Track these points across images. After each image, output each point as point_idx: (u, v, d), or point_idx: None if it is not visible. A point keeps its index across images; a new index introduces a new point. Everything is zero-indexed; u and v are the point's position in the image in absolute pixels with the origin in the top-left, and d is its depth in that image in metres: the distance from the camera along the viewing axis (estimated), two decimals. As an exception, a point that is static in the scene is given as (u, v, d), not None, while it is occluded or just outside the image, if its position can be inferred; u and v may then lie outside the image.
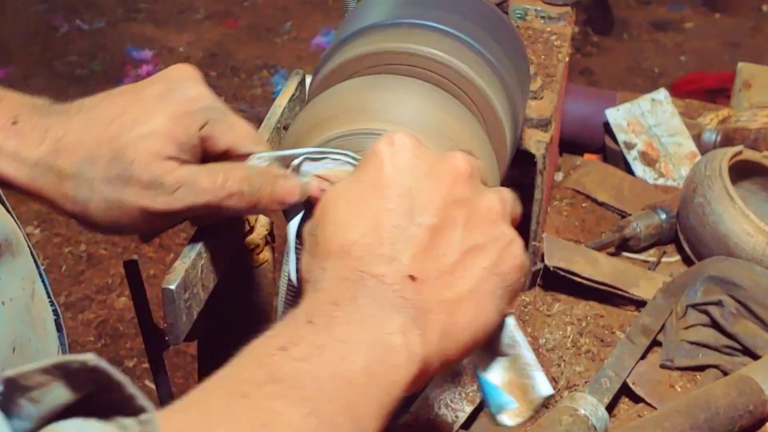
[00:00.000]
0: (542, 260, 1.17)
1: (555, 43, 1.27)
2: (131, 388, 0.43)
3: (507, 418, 0.70)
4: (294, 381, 0.54)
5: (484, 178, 0.69)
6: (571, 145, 1.50)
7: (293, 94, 0.99)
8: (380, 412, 0.57)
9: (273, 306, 1.06)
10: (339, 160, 0.77)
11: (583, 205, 1.37)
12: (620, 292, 1.17)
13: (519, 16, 1.30)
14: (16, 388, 0.41)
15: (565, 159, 1.50)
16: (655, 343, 1.12)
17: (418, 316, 0.61)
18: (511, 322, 0.70)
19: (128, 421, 0.43)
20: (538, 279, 1.19)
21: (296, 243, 0.78)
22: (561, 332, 1.13)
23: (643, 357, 1.09)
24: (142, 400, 0.43)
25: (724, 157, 1.23)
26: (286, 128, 0.95)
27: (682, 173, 1.42)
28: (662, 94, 1.49)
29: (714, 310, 1.11)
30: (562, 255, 1.18)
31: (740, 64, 1.65)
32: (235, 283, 0.96)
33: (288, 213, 0.79)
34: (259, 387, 0.53)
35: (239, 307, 0.99)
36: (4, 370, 0.40)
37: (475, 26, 0.92)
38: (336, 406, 0.54)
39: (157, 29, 4.00)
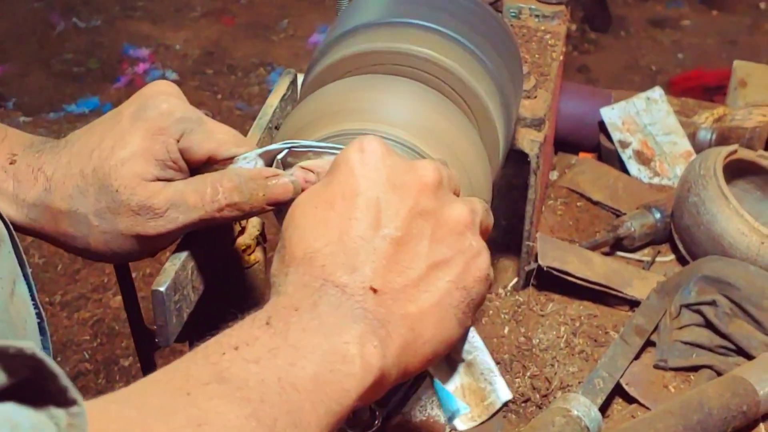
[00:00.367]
0: (536, 260, 1.16)
1: (549, 41, 1.26)
2: (65, 380, 0.43)
3: (459, 423, 0.71)
4: (240, 382, 0.54)
5: (455, 187, 0.69)
6: (566, 143, 1.50)
7: (285, 94, 0.99)
8: (327, 419, 0.56)
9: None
10: (322, 152, 0.77)
11: (578, 204, 1.37)
12: (614, 292, 1.17)
13: (513, 14, 1.30)
14: None
15: (560, 158, 1.49)
16: (649, 344, 1.11)
17: (378, 328, 0.60)
18: (471, 329, 0.70)
19: (59, 412, 0.43)
20: (532, 279, 1.18)
21: None
22: (554, 332, 1.13)
23: (636, 357, 1.09)
24: (74, 393, 0.43)
25: (719, 156, 1.22)
26: (277, 128, 0.94)
27: (677, 172, 1.41)
28: (657, 92, 1.49)
29: (708, 310, 1.10)
30: (555, 255, 1.17)
31: (736, 63, 1.64)
32: (226, 284, 0.95)
33: (279, 214, 0.79)
34: (203, 385, 0.53)
35: (231, 308, 0.98)
36: None
37: (466, 25, 0.91)
38: (279, 411, 0.54)
39: (154, 27, 3.99)
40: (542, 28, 1.28)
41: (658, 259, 1.28)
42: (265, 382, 0.54)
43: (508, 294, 1.18)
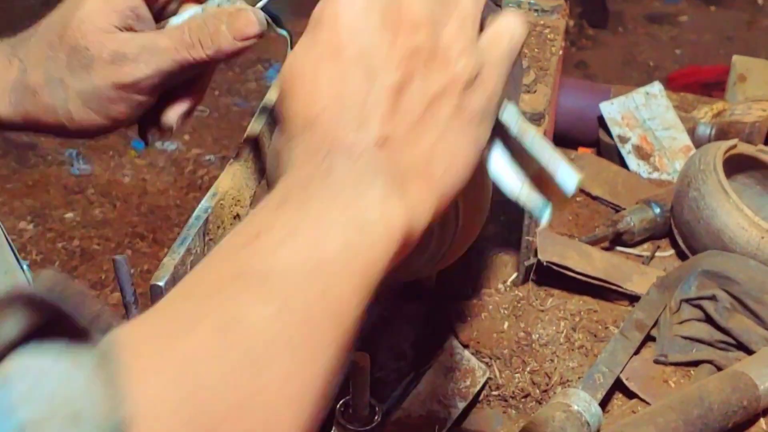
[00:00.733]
0: (535, 255, 1.16)
1: (548, 36, 1.26)
2: (90, 309, 0.41)
3: (545, 219, 0.65)
4: (265, 273, 0.52)
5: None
6: (565, 139, 1.50)
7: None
8: (360, 297, 0.54)
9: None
10: None
11: (577, 199, 1.37)
12: (614, 287, 1.17)
13: (512, 8, 1.29)
14: None
15: (559, 153, 1.49)
16: (649, 338, 1.11)
17: (393, 182, 0.58)
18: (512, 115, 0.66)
19: (86, 351, 0.41)
20: (532, 274, 1.18)
21: None
22: (554, 327, 1.13)
23: (636, 352, 1.09)
24: (103, 322, 0.42)
25: (719, 150, 1.22)
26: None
27: (676, 167, 1.41)
28: (656, 87, 1.49)
29: (708, 305, 1.10)
30: (555, 250, 1.17)
31: (735, 57, 1.64)
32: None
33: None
34: (227, 284, 0.51)
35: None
36: None
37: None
38: (311, 295, 0.52)
39: (150, 23, 3.99)
40: (541, 22, 1.28)
41: (657, 254, 1.28)
42: (292, 267, 0.52)
43: (508, 289, 1.18)
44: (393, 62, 0.60)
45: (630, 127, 1.45)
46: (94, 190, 3.04)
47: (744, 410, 0.98)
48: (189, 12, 0.80)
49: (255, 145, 0.93)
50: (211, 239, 0.86)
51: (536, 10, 1.29)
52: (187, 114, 0.84)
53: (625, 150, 1.44)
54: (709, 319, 1.10)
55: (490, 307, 1.15)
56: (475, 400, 1.08)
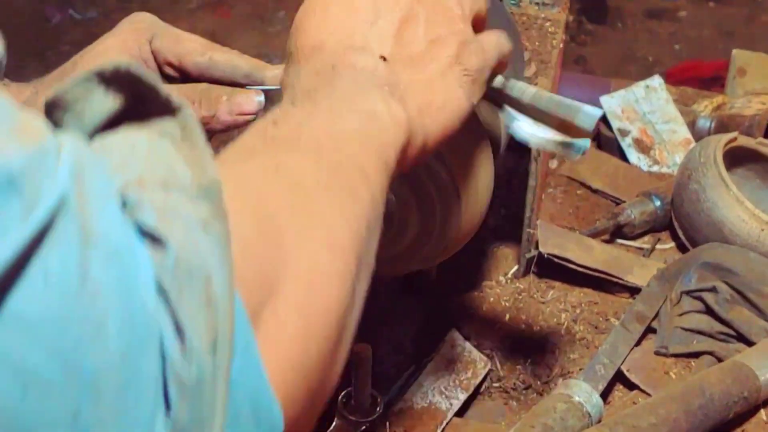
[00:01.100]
0: (536, 247, 1.16)
1: (549, 29, 1.26)
2: (164, 90, 0.43)
3: (576, 155, 0.72)
4: (293, 140, 0.55)
5: None
6: (565, 132, 1.50)
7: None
8: (379, 172, 0.58)
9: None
10: None
11: (578, 192, 1.37)
12: (615, 279, 1.17)
13: (513, 2, 1.29)
14: (58, 107, 0.42)
15: (559, 146, 1.49)
16: (650, 330, 1.11)
17: (394, 92, 0.64)
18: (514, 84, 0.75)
19: (169, 124, 0.43)
20: (533, 266, 1.18)
21: None
22: (555, 319, 1.13)
23: (637, 344, 1.09)
24: (177, 99, 0.43)
25: (719, 143, 1.22)
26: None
27: (676, 160, 1.41)
28: (656, 81, 1.49)
29: (708, 297, 1.11)
30: (556, 242, 1.17)
31: (735, 51, 1.64)
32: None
33: None
34: (261, 147, 0.54)
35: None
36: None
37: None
38: (339, 156, 0.55)
39: (150, 19, 3.98)
40: (542, 15, 1.28)
41: (658, 246, 1.29)
42: (317, 137, 0.55)
43: (509, 281, 1.18)
44: (399, 1, 0.67)
45: (630, 121, 1.45)
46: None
47: (745, 401, 0.99)
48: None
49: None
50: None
51: (537, 4, 1.29)
52: None
53: (626, 143, 1.45)
54: (709, 311, 1.11)
55: (491, 299, 1.16)
56: (476, 392, 1.08)
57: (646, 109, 1.46)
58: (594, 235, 1.26)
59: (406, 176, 0.77)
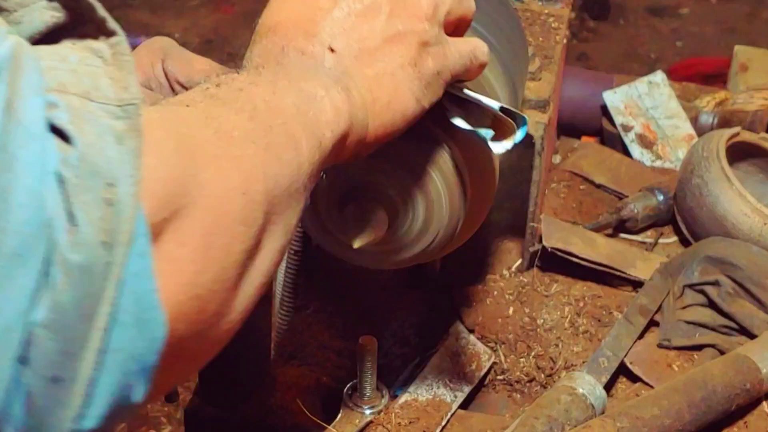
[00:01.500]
0: (540, 241, 1.17)
1: (552, 25, 1.27)
2: (101, 12, 0.46)
3: (493, 145, 0.76)
4: (231, 100, 0.57)
5: None
6: (568, 128, 1.51)
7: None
8: (312, 147, 0.59)
9: (272, 289, 1.06)
10: None
11: (581, 187, 1.37)
12: (618, 273, 1.18)
13: (516, -2, 1.30)
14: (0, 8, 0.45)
15: (562, 142, 1.50)
16: (653, 323, 1.12)
17: (338, 81, 0.64)
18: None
19: (100, 45, 0.46)
20: (536, 260, 1.19)
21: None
22: (559, 313, 1.14)
23: (640, 337, 1.10)
24: (113, 24, 0.46)
25: (722, 138, 1.23)
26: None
27: (679, 155, 1.42)
28: (659, 76, 1.50)
29: (711, 290, 1.11)
30: (560, 236, 1.18)
31: (737, 47, 1.65)
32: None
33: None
34: (200, 99, 0.56)
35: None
36: None
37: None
38: (272, 120, 0.57)
39: (152, 16, 3.98)
40: (546, 11, 1.29)
41: (661, 240, 1.29)
42: (253, 102, 0.57)
43: (513, 275, 1.19)
44: None
45: (633, 116, 1.46)
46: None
47: (747, 393, 0.99)
48: None
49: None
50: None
51: (541, 0, 1.30)
52: None
53: (629, 138, 1.45)
54: (711, 304, 1.11)
55: (495, 292, 1.16)
56: (480, 384, 1.09)
57: (649, 105, 1.46)
58: (597, 229, 1.26)
59: (410, 169, 0.78)
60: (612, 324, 1.11)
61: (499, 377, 1.10)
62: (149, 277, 0.44)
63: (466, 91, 0.76)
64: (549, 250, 1.16)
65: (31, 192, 0.40)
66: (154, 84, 0.84)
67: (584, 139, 1.52)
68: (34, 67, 0.42)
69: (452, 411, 1.02)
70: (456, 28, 0.74)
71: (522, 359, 1.10)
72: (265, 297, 1.01)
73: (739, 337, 1.10)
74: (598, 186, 1.38)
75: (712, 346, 1.09)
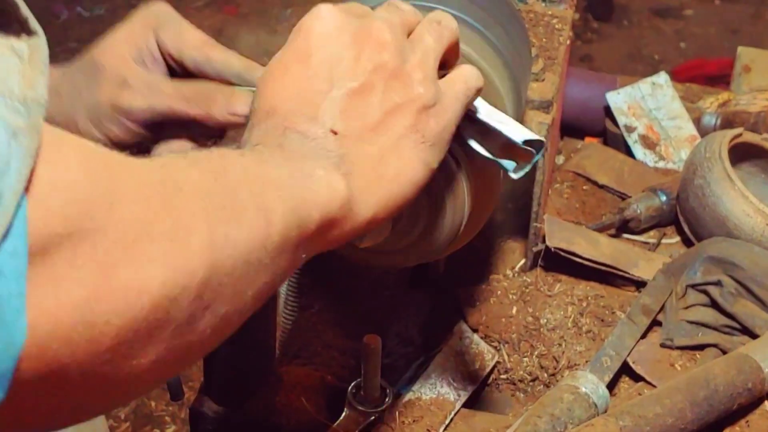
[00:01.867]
0: (543, 241, 1.18)
1: (556, 26, 1.27)
2: (25, 11, 0.46)
3: (513, 174, 0.76)
4: (204, 161, 0.56)
5: (411, 27, 0.71)
6: (571, 128, 1.51)
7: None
8: (293, 221, 0.58)
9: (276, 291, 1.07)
10: None
11: (584, 187, 1.38)
12: (621, 273, 1.18)
13: (520, -1, 1.31)
14: None
15: (566, 142, 1.50)
16: (656, 323, 1.13)
17: (339, 166, 0.64)
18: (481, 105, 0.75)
19: (19, 43, 0.45)
20: (540, 260, 1.20)
21: None
22: (562, 312, 1.15)
23: (643, 336, 1.11)
24: (34, 24, 0.46)
25: (724, 139, 1.23)
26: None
27: (682, 156, 1.42)
28: (662, 77, 1.50)
29: (713, 290, 1.12)
30: (563, 236, 1.19)
31: (740, 48, 1.65)
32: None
33: None
34: (173, 158, 0.56)
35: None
36: None
37: (478, 8, 0.92)
38: (245, 187, 0.56)
39: (157, 16, 3.99)
40: (549, 12, 1.29)
41: (663, 240, 1.30)
42: (228, 168, 0.56)
43: (516, 275, 1.20)
44: (356, 71, 0.66)
45: (636, 117, 1.47)
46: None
47: (749, 392, 1.00)
48: None
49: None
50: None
51: (544, 1, 1.30)
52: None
53: (632, 139, 1.46)
54: (714, 304, 1.12)
55: (499, 292, 1.17)
56: (484, 383, 1.09)
57: (652, 106, 1.47)
58: (600, 229, 1.27)
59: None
60: (615, 324, 1.12)
61: (502, 376, 1.10)
62: (18, 280, 0.42)
63: (484, 118, 0.75)
64: (552, 250, 1.16)
65: None
66: (149, 60, 0.83)
67: (587, 139, 1.52)
68: None
69: (456, 410, 1.03)
70: (448, 57, 0.73)
71: (525, 358, 1.11)
72: (268, 305, 1.02)
73: (742, 336, 1.10)
74: (602, 186, 1.38)
75: (715, 345, 1.10)
